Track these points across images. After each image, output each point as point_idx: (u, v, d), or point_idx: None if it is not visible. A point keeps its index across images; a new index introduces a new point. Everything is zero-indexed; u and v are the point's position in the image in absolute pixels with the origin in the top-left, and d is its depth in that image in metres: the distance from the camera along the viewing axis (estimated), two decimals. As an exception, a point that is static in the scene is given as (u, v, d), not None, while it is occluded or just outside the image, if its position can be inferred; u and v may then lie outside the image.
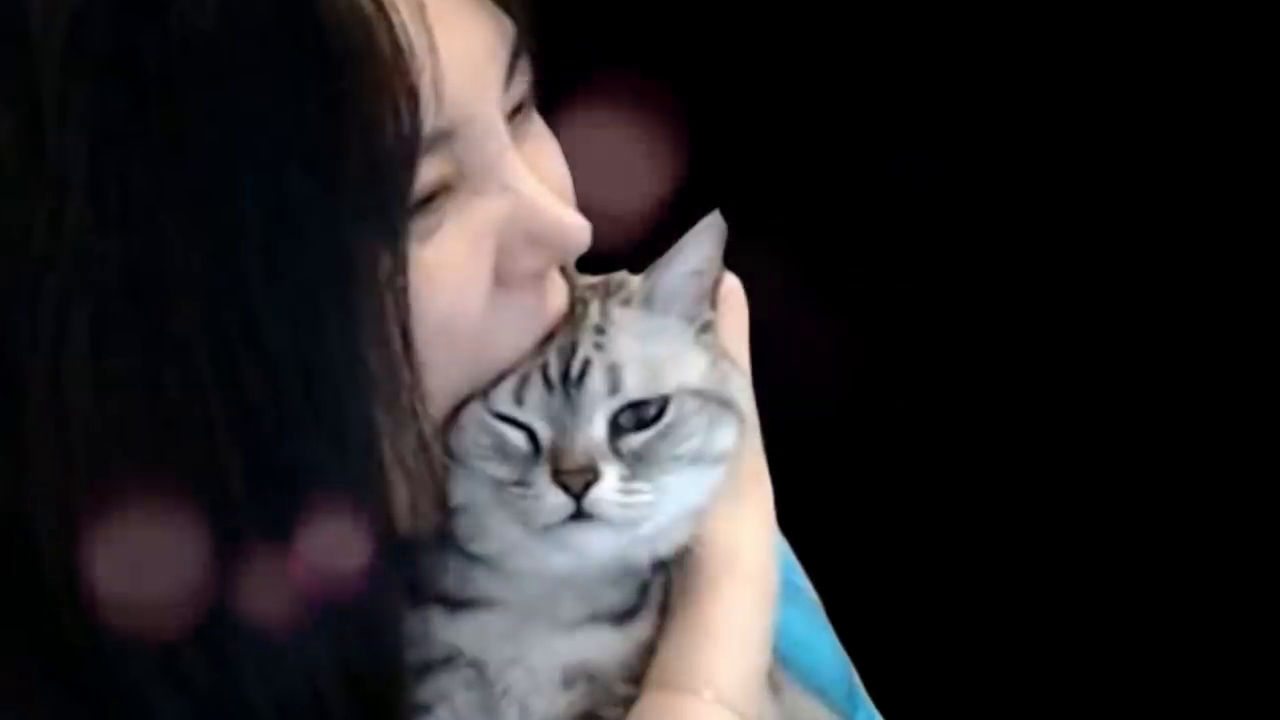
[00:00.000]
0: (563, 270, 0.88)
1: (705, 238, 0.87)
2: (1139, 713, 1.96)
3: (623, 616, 0.88)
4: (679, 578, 0.88)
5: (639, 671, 0.87)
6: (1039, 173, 1.94)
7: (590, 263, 0.89)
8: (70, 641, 0.78)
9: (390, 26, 0.76)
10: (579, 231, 0.84)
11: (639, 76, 1.51)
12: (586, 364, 0.84)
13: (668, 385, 0.86)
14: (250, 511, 0.77)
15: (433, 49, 0.77)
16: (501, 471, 0.84)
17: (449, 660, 0.87)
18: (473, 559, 0.87)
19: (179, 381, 0.76)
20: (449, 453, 0.84)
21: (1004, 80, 1.92)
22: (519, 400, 0.84)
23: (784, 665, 0.92)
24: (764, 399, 0.92)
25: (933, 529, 1.98)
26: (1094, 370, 1.98)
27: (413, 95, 0.77)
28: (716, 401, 0.87)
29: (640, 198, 1.29)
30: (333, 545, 0.78)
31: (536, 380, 0.84)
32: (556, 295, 0.87)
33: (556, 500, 0.83)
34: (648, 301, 0.88)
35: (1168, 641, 1.97)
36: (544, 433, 0.84)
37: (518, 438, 0.84)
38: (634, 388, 0.85)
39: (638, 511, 0.84)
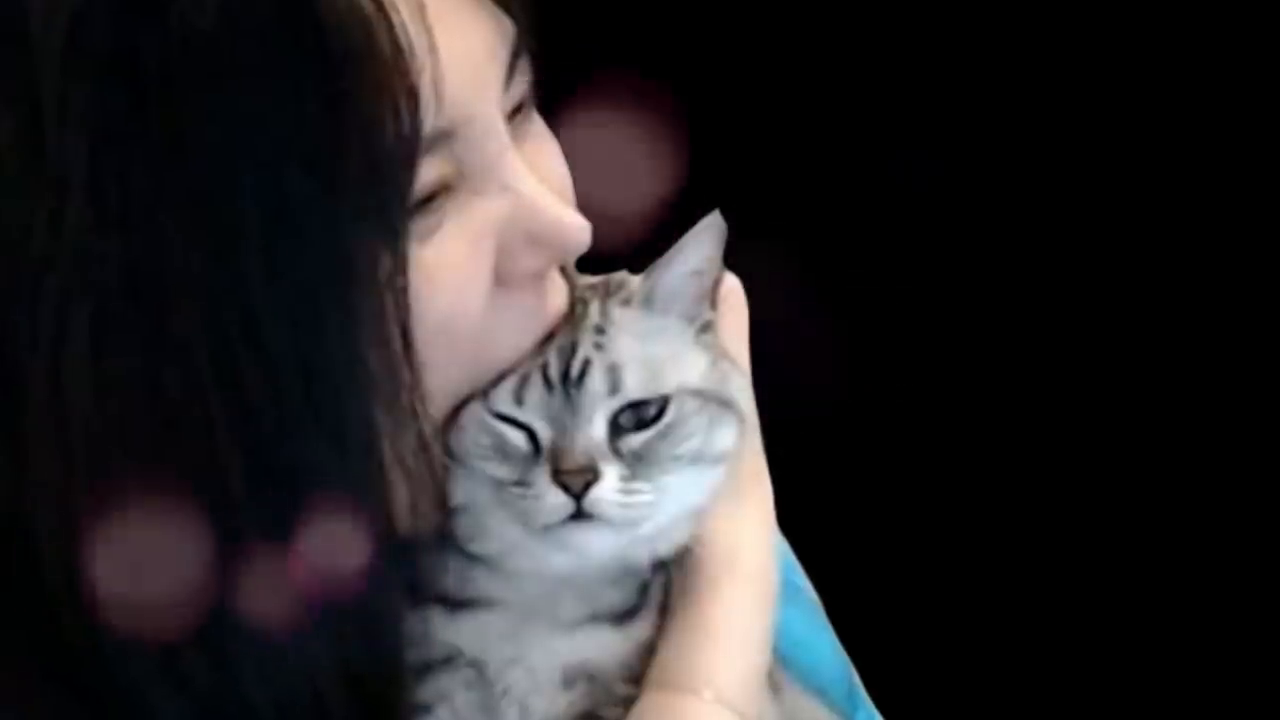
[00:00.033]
0: (563, 270, 0.88)
1: (705, 238, 0.87)
2: (1139, 713, 1.96)
3: (623, 616, 0.88)
4: (679, 578, 0.88)
5: (639, 671, 0.87)
6: (1039, 173, 1.94)
7: (590, 263, 0.89)
8: (70, 641, 0.78)
9: (390, 26, 0.76)
10: (579, 231, 0.84)
11: (639, 76, 1.50)
12: (586, 364, 0.84)
13: (668, 385, 0.86)
14: (250, 511, 0.77)
15: (433, 49, 0.77)
16: (501, 471, 0.84)
17: (449, 660, 0.87)
18: (473, 559, 0.87)
19: (179, 381, 0.76)
20: (449, 453, 0.84)
21: (1004, 80, 1.92)
22: (519, 400, 0.84)
23: (784, 665, 0.92)
24: (764, 399, 0.91)
25: (932, 529, 1.98)
26: (1094, 370, 1.98)
27: (413, 95, 0.77)
28: (716, 401, 0.87)
29: (640, 198, 1.29)
30: (333, 545, 0.78)
31: (536, 380, 0.84)
32: (556, 295, 0.87)
33: (556, 500, 0.83)
34: (648, 301, 0.88)
35: (1168, 641, 1.97)
36: (544, 433, 0.84)
37: (518, 438, 0.84)
38: (634, 388, 0.85)
39: (638, 511, 0.84)
